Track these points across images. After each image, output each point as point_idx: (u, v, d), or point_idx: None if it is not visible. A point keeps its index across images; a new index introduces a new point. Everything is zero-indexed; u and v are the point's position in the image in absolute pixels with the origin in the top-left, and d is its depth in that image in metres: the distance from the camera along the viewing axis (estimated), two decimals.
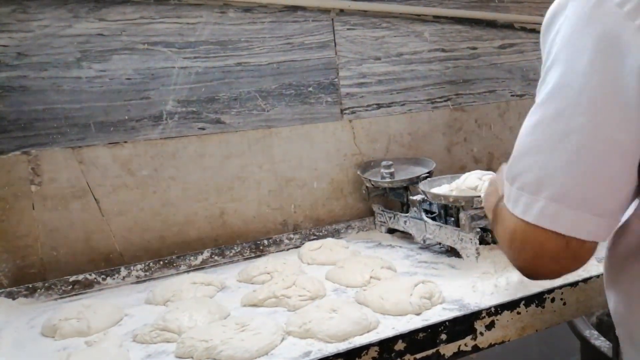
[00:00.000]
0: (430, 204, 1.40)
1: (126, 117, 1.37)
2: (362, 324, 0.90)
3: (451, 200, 1.19)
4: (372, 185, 1.51)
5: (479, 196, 1.12)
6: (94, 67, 1.33)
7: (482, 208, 1.10)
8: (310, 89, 1.58)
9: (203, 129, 1.46)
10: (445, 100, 1.77)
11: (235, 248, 1.45)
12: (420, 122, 1.74)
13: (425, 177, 1.43)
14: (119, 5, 1.34)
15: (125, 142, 1.37)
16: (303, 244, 1.48)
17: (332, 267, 1.27)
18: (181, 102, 1.42)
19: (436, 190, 1.32)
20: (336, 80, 1.61)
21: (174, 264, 1.37)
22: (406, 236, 1.49)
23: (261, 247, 1.48)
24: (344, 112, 1.63)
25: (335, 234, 1.56)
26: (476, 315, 0.82)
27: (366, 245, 1.49)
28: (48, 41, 1.28)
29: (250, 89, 1.50)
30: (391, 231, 1.55)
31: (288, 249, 1.50)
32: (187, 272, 1.36)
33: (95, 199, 1.35)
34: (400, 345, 0.76)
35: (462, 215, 1.17)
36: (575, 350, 1.65)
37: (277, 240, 1.50)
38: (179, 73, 1.41)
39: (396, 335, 0.76)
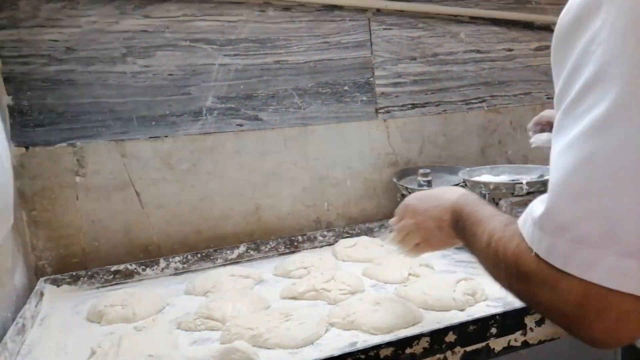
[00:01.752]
0: None
1: (167, 112, 1.40)
2: (406, 318, 0.90)
3: (491, 187, 1.18)
4: (409, 192, 1.50)
5: (521, 182, 1.11)
6: (138, 63, 1.36)
7: (524, 196, 1.09)
8: (346, 87, 1.59)
9: (241, 125, 1.48)
10: (480, 102, 1.77)
11: (271, 243, 1.46)
12: (455, 123, 1.74)
13: (463, 186, 1.42)
14: (163, 3, 1.38)
15: (166, 136, 1.40)
16: (337, 241, 1.48)
17: (369, 264, 1.27)
18: (220, 99, 1.45)
19: (476, 177, 1.31)
20: (372, 79, 1.62)
21: (211, 257, 1.38)
22: None
23: (295, 243, 1.48)
24: (379, 111, 1.63)
25: (369, 233, 1.56)
26: (527, 310, 0.81)
27: None
28: (95, 37, 1.32)
29: (287, 86, 1.52)
30: None
31: (322, 246, 1.50)
32: (224, 265, 1.37)
33: (136, 192, 1.38)
34: (451, 337, 0.75)
35: (502, 202, 1.15)
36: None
37: (312, 237, 1.51)
38: (218, 70, 1.44)
39: (447, 327, 0.75)
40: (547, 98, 1.86)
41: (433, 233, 0.80)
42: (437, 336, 0.75)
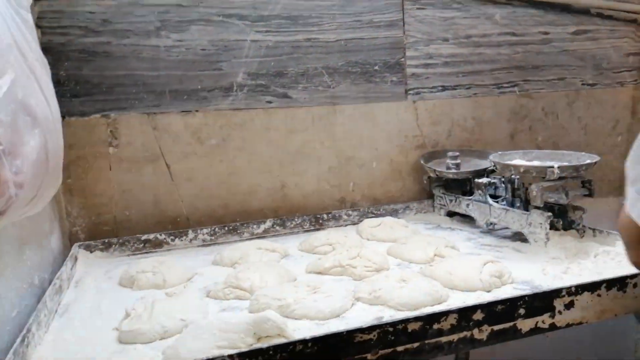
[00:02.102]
0: (496, 188, 1.37)
1: (199, 87, 1.41)
2: (433, 296, 0.91)
3: (522, 170, 1.17)
4: (437, 175, 1.50)
5: (552, 167, 1.09)
6: (172, 37, 1.37)
7: (555, 180, 1.07)
8: (376, 67, 1.57)
9: (270, 102, 1.48)
10: (512, 86, 1.73)
11: (296, 220, 1.47)
12: (485, 107, 1.71)
13: (492, 171, 1.41)
14: None
15: (197, 110, 1.42)
16: (361, 221, 1.49)
17: (394, 244, 1.27)
18: (251, 75, 1.45)
19: (507, 161, 1.29)
20: (402, 59, 1.60)
21: (238, 231, 1.41)
22: (466, 220, 1.47)
23: (320, 221, 1.50)
24: (409, 92, 1.62)
25: (393, 214, 1.56)
26: (557, 293, 0.81)
27: (425, 226, 1.48)
28: (131, 9, 1.34)
29: (318, 65, 1.52)
30: (450, 214, 1.53)
31: (346, 225, 1.52)
32: (250, 239, 1.40)
33: (167, 164, 1.41)
34: (479, 315, 0.76)
35: (533, 187, 1.14)
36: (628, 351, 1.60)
37: (336, 215, 1.52)
38: (250, 46, 1.44)
39: (476, 305, 0.76)
40: (582, 84, 1.81)
41: None
42: (465, 313, 0.75)
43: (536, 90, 1.76)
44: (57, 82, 1.29)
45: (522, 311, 0.79)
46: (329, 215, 1.51)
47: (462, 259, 1.09)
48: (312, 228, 1.48)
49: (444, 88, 1.66)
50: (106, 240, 1.30)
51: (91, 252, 1.27)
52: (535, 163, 1.23)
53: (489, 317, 0.77)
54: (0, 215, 0.43)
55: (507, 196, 1.34)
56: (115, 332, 0.84)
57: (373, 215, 1.54)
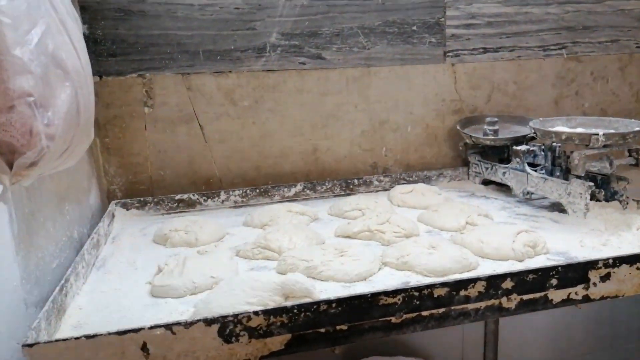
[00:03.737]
0: (535, 155, 1.32)
1: (232, 47, 1.40)
2: (462, 263, 0.89)
3: (563, 137, 1.11)
4: (473, 141, 1.45)
5: (597, 134, 1.03)
6: None
7: (599, 149, 1.02)
8: (414, 27, 1.51)
9: (304, 63, 1.46)
10: (559, 48, 1.63)
11: (327, 184, 1.47)
12: (529, 70, 1.63)
13: (532, 138, 1.35)
14: None
15: (230, 71, 1.41)
16: (393, 187, 1.47)
17: (425, 211, 1.25)
18: (285, 35, 1.42)
19: (548, 127, 1.23)
20: (442, 19, 1.53)
21: (269, 194, 1.42)
22: (502, 189, 1.43)
23: (351, 186, 1.49)
24: (447, 54, 1.55)
25: (426, 181, 1.54)
26: (592, 264, 0.78)
27: (459, 194, 1.45)
28: None
29: (353, 24, 1.47)
30: (486, 183, 1.49)
31: (377, 191, 1.50)
32: (281, 202, 1.41)
33: (200, 125, 1.42)
34: (508, 284, 0.74)
35: (575, 155, 1.08)
36: None
37: (367, 181, 1.50)
38: (284, 5, 1.41)
39: (505, 273, 0.74)
40: (637, 47, 1.69)
41: None
42: (493, 281, 0.73)
43: (585, 53, 1.66)
44: (95, 41, 1.32)
45: (554, 281, 0.76)
46: (360, 180, 1.49)
47: (495, 227, 1.07)
48: (343, 193, 1.47)
49: (486, 50, 1.58)
50: (142, 199, 1.34)
51: (127, 209, 1.31)
52: (579, 130, 1.16)
53: (519, 286, 0.75)
54: (33, 166, 0.45)
55: (546, 164, 1.29)
56: (148, 286, 0.87)
57: (405, 182, 1.52)
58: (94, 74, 1.32)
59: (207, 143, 1.43)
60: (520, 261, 0.93)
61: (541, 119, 1.29)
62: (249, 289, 0.75)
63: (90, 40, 1.31)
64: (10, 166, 0.43)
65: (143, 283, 0.89)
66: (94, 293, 0.85)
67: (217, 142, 1.44)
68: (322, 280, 0.88)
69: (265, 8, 1.39)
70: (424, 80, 1.55)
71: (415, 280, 0.87)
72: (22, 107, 0.43)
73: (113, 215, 1.26)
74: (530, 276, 0.75)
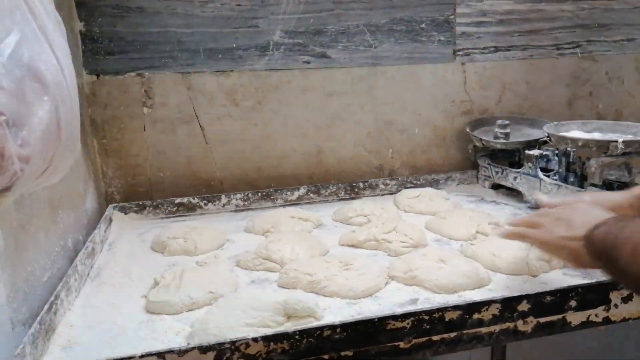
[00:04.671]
0: (548, 160, 1.27)
1: (234, 45, 1.35)
2: (473, 279, 0.85)
3: (580, 144, 1.06)
4: (483, 144, 1.39)
5: (616, 141, 0.98)
6: None
7: (618, 156, 0.96)
8: (423, 25, 1.45)
9: (308, 62, 1.40)
10: (573, 47, 1.57)
11: (331, 187, 1.42)
12: (542, 70, 1.57)
13: (545, 142, 1.30)
14: None
15: (232, 71, 1.36)
16: (399, 190, 1.43)
17: (433, 218, 1.20)
18: (288, 33, 1.37)
19: (563, 133, 1.18)
20: (452, 17, 1.47)
21: (271, 197, 1.37)
22: (512, 193, 1.38)
23: (356, 190, 1.44)
24: (457, 53, 1.50)
25: (434, 184, 1.49)
26: (614, 285, 0.73)
27: (467, 199, 1.40)
28: None
29: (359, 22, 1.41)
30: (495, 187, 1.44)
31: (383, 195, 1.45)
32: (284, 206, 1.36)
33: (201, 126, 1.37)
34: (524, 306, 0.69)
35: (592, 162, 1.03)
36: None
37: (373, 184, 1.45)
38: (288, 1, 1.35)
39: (521, 295, 0.69)
40: None
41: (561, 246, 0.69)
42: (509, 303, 0.69)
43: (601, 52, 1.60)
44: (92, 39, 1.27)
45: (573, 303, 0.72)
46: (365, 183, 1.45)
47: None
48: (347, 197, 1.42)
49: (497, 49, 1.52)
50: (140, 203, 1.30)
51: (126, 213, 1.27)
52: (596, 136, 1.11)
53: (535, 308, 0.70)
54: (6, 191, 0.40)
55: (560, 170, 1.24)
56: (143, 300, 0.83)
57: (412, 185, 1.47)
58: (91, 73, 1.29)
59: (208, 144, 1.39)
60: (535, 276, 0.89)
61: (555, 122, 1.24)
62: (249, 309, 0.71)
63: (87, 38, 1.27)
64: None
65: (138, 296, 0.85)
66: (86, 308, 0.81)
67: (218, 143, 1.39)
68: (325, 296, 0.84)
69: (268, 5, 1.34)
70: (433, 80, 1.50)
71: (425, 296, 0.82)
72: None
73: (110, 220, 1.22)
74: (548, 298, 0.70)
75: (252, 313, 0.70)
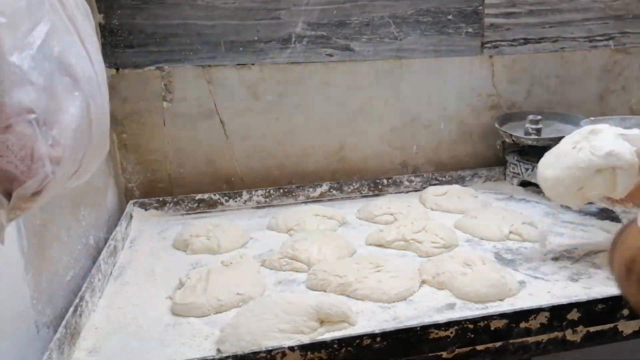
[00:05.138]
0: None
1: (255, 38, 1.31)
2: (499, 288, 0.79)
3: None
4: (513, 140, 1.34)
5: None
6: None
7: None
8: (450, 17, 1.40)
9: (331, 55, 1.36)
10: (606, 39, 1.51)
11: (354, 184, 1.38)
12: (573, 63, 1.51)
13: None
14: None
15: (253, 64, 1.32)
16: (424, 187, 1.39)
17: (463, 217, 1.16)
18: (311, 25, 1.33)
19: None
20: (480, 8, 1.41)
21: (293, 194, 1.34)
22: (542, 191, 1.32)
23: (380, 187, 1.40)
24: (485, 45, 1.44)
25: (460, 181, 1.44)
26: None
27: (496, 197, 1.35)
28: None
29: (384, 13, 1.37)
30: (524, 184, 1.39)
31: (407, 192, 1.41)
32: (305, 202, 1.33)
33: (221, 121, 1.34)
34: (574, 315, 0.65)
35: None
36: None
37: (397, 181, 1.41)
38: None
39: (571, 303, 0.65)
40: None
41: None
42: (558, 312, 0.65)
43: (635, 45, 1.53)
44: (111, 32, 1.24)
45: (625, 312, 0.67)
46: (389, 180, 1.40)
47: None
48: (371, 193, 1.39)
49: (527, 41, 1.47)
50: (160, 199, 1.27)
51: (146, 210, 1.25)
52: (638, 133, 1.05)
53: (586, 317, 0.66)
54: (36, 195, 0.37)
55: None
56: (168, 301, 0.81)
57: (437, 182, 1.42)
58: (110, 67, 1.26)
59: (228, 140, 1.36)
60: (575, 281, 0.84)
61: (592, 118, 1.19)
62: (281, 313, 0.68)
63: (107, 31, 1.24)
64: (9, 196, 0.36)
65: (163, 297, 0.82)
66: (110, 309, 0.79)
67: (239, 138, 1.36)
68: (357, 299, 0.80)
69: None
70: (459, 73, 1.45)
71: (461, 302, 0.78)
72: (20, 126, 0.35)
73: (131, 216, 1.20)
74: (600, 306, 0.66)
75: (284, 317, 0.67)
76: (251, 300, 0.76)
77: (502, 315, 0.63)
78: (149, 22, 1.25)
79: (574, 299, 0.75)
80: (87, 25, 0.47)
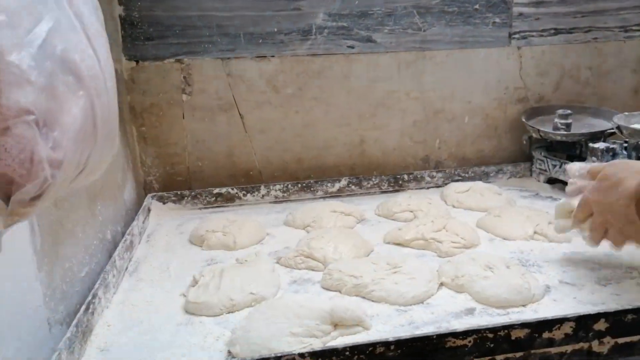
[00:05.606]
0: (615, 154, 1.16)
1: (275, 30, 1.29)
2: (522, 294, 0.76)
3: None
4: (541, 136, 1.28)
5: None
6: None
7: None
8: (477, 6, 1.35)
9: (352, 47, 1.33)
10: None
11: (374, 180, 1.36)
12: (606, 54, 1.44)
13: (613, 133, 1.18)
14: None
15: (273, 56, 1.30)
16: (446, 184, 1.35)
17: (485, 215, 1.12)
18: (332, 16, 1.30)
19: (636, 125, 1.07)
20: None
21: (312, 189, 1.32)
22: None
23: (400, 182, 1.37)
24: (513, 36, 1.38)
25: (484, 177, 1.40)
26: None
27: (521, 194, 1.31)
28: None
29: (407, 3, 1.32)
30: (551, 181, 1.34)
31: (429, 188, 1.37)
32: (324, 198, 1.31)
33: (240, 114, 1.33)
34: (601, 325, 0.62)
35: None
36: None
37: (418, 176, 1.38)
38: None
39: (599, 312, 0.62)
40: None
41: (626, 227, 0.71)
42: (584, 322, 0.61)
43: None
44: (131, 24, 1.24)
45: None
46: (410, 176, 1.37)
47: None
48: (391, 189, 1.36)
49: (557, 31, 1.40)
50: (178, 192, 1.27)
51: (164, 203, 1.25)
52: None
53: (614, 328, 0.62)
54: (36, 199, 0.36)
55: None
56: (182, 298, 0.80)
57: (460, 178, 1.38)
58: (130, 59, 1.26)
59: (247, 133, 1.34)
60: (604, 285, 0.80)
61: (626, 113, 1.13)
62: (293, 316, 0.66)
63: (127, 23, 1.23)
64: (8, 201, 0.35)
65: (177, 294, 0.82)
66: (124, 305, 0.79)
67: (258, 132, 1.35)
68: (373, 301, 0.78)
69: None
70: (485, 65, 1.39)
71: (481, 307, 0.75)
72: (19, 128, 0.34)
73: (149, 210, 1.20)
74: (629, 316, 0.62)
75: (296, 321, 0.65)
76: (264, 301, 0.74)
77: (523, 325, 0.60)
78: (168, 13, 1.24)
79: (601, 306, 0.72)
80: (94, 20, 0.46)
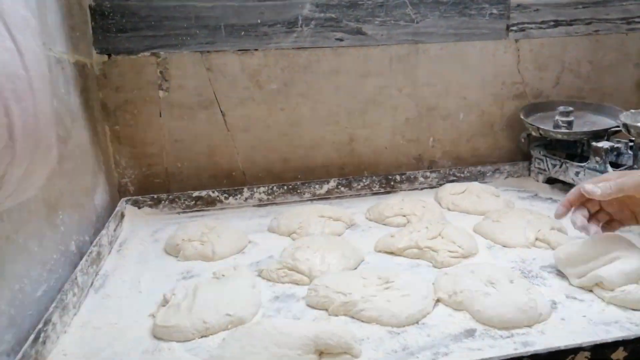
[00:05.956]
0: (619, 154, 1.09)
1: (258, 21, 1.20)
2: (528, 314, 0.68)
3: None
4: (540, 134, 1.21)
5: None
6: None
7: None
8: None
9: (341, 39, 1.25)
10: None
11: (364, 181, 1.28)
12: (608, 47, 1.37)
13: (617, 131, 1.12)
14: None
15: (256, 49, 1.22)
16: (440, 184, 1.28)
17: (483, 219, 1.05)
18: (319, 6, 1.21)
19: None
20: None
21: (298, 191, 1.24)
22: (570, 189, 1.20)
23: (392, 183, 1.30)
24: (511, 28, 1.31)
25: (480, 177, 1.33)
26: None
27: (519, 195, 1.24)
28: None
29: None
30: (551, 181, 1.27)
31: (422, 189, 1.31)
32: (311, 200, 1.23)
33: (222, 111, 1.24)
34: (619, 354, 0.54)
35: None
36: None
37: (411, 177, 1.30)
38: None
39: (616, 340, 0.54)
40: None
41: None
42: (600, 351, 0.54)
43: None
44: (102, 15, 1.14)
45: None
46: (403, 176, 1.30)
47: (579, 248, 0.86)
48: (382, 190, 1.28)
49: (557, 23, 1.33)
50: (155, 196, 1.19)
51: (139, 207, 1.17)
52: None
53: (633, 356, 0.55)
54: None
55: (635, 167, 1.06)
56: (151, 319, 0.72)
57: (455, 179, 1.31)
58: (102, 53, 1.16)
59: (230, 131, 1.26)
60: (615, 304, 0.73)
61: (632, 110, 1.06)
62: (272, 345, 0.58)
63: (97, 14, 1.14)
64: None
65: (145, 314, 0.74)
66: (85, 329, 0.71)
67: (241, 130, 1.26)
68: (363, 322, 0.71)
69: None
70: (482, 59, 1.32)
71: (482, 329, 0.68)
72: None
73: (122, 216, 1.11)
74: None
75: (276, 351, 0.58)
76: (240, 326, 0.66)
77: (533, 357, 0.53)
78: (143, 3, 1.15)
79: (614, 326, 0.65)
80: (19, 7, 0.37)
